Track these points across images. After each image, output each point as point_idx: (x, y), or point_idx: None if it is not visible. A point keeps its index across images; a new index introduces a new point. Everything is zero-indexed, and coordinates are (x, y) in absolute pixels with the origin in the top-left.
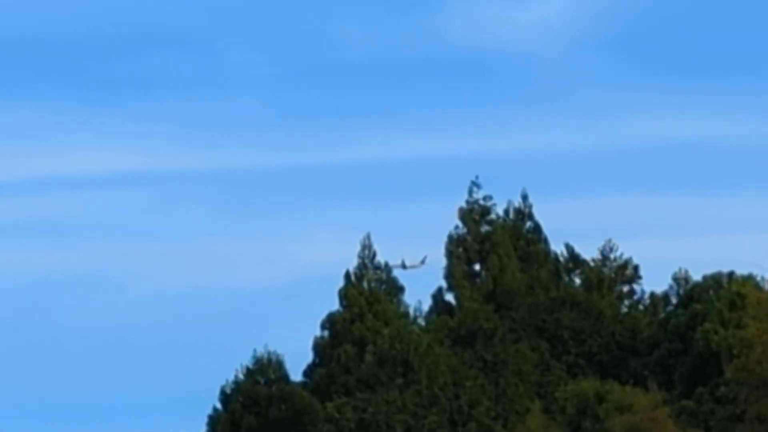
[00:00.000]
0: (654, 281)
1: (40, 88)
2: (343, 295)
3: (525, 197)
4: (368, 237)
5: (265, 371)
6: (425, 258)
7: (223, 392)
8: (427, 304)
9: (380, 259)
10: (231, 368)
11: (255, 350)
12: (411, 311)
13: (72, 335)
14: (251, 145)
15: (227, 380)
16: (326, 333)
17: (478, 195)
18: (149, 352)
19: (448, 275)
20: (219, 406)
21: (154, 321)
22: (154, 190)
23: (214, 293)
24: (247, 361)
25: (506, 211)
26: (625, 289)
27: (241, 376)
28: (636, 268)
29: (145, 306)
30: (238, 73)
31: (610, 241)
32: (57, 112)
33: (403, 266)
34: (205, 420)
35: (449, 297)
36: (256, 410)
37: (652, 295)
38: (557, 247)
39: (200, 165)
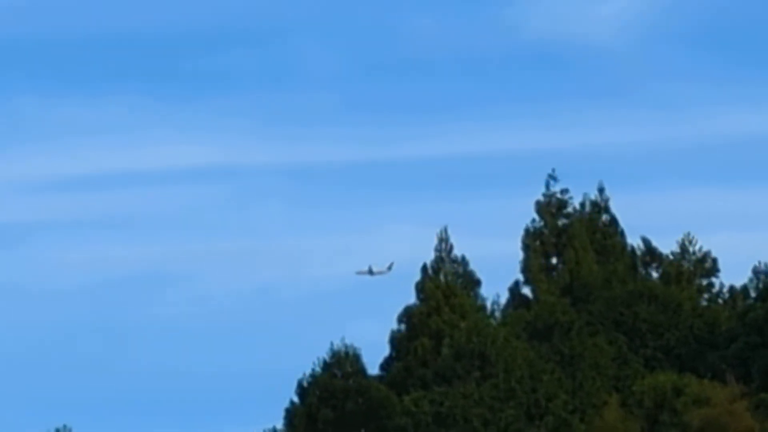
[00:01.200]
0: (733, 275)
1: (120, 84)
2: (420, 288)
3: (601, 190)
4: (445, 230)
5: (342, 365)
6: (392, 264)
7: (300, 386)
8: (503, 298)
9: (457, 252)
10: (308, 362)
11: (332, 344)
12: (488, 305)
13: (152, 330)
14: (328, 139)
15: (304, 374)
16: (403, 326)
17: (555, 188)
18: (228, 347)
19: (525, 269)
20: (296, 399)
21: (232, 315)
22: (232, 185)
23: (292, 287)
24: (324, 354)
25: (582, 205)
26: (704, 282)
27: (318, 370)
28: (715, 261)
29: (224, 300)
30: (315, 68)
31: (688, 234)
32: (137, 107)
33: (371, 272)
34: (282, 414)
35: (526, 290)
36: (333, 404)
37: (731, 288)
38: (634, 241)
39: (278, 159)
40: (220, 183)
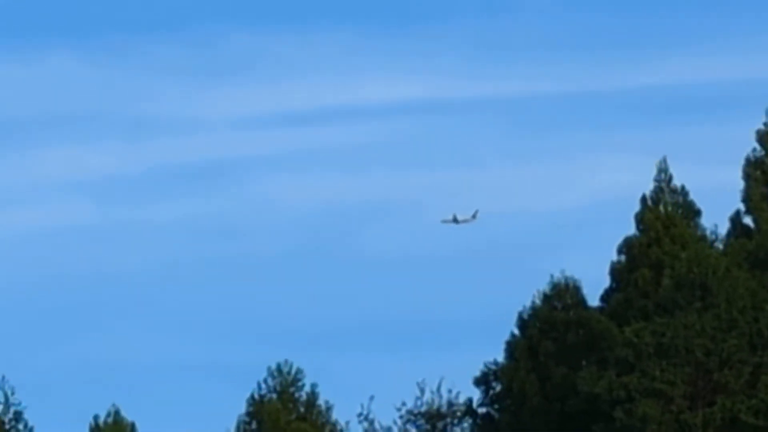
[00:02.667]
0: None
1: (332, 22)
2: (640, 219)
3: None
4: (664, 160)
5: (563, 297)
6: (476, 212)
7: (520, 318)
8: (724, 228)
9: (677, 182)
10: (528, 294)
11: (552, 276)
12: (708, 234)
13: (369, 262)
14: (544, 71)
15: (524, 306)
16: (623, 257)
17: None
18: (446, 279)
19: (746, 198)
20: (517, 332)
21: (450, 248)
22: (444, 118)
23: (508, 219)
24: (544, 287)
25: None
26: None
27: (538, 302)
28: None
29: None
30: (524, 1)
31: None
32: (350, 44)
33: (455, 221)
34: (503, 346)
35: (747, 220)
36: (553, 336)
37: None
38: None
39: (490, 93)
40: (432, 117)
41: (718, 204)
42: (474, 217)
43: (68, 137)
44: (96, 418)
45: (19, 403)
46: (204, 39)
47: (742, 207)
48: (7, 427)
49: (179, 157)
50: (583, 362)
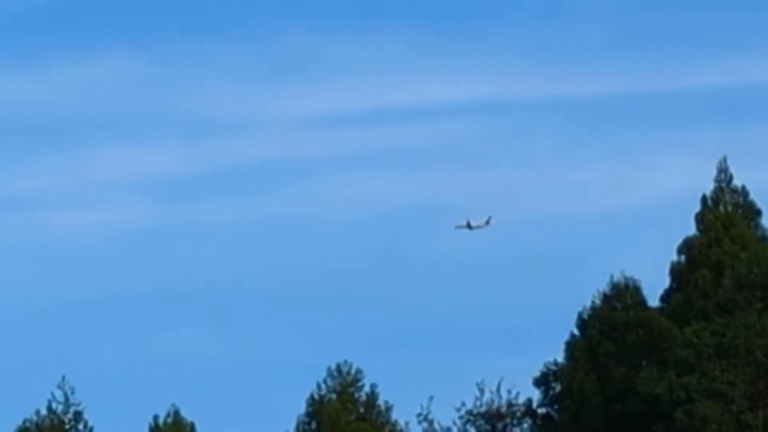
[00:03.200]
0: None
1: (395, 21)
2: (700, 219)
3: None
4: (724, 160)
5: (622, 297)
6: (490, 218)
7: (580, 318)
8: None
9: (737, 182)
10: (588, 295)
11: (612, 276)
12: None
13: (429, 263)
14: (601, 72)
15: (584, 306)
16: (683, 258)
17: None
18: (505, 280)
19: None
20: (576, 332)
21: (507, 249)
22: (501, 119)
23: (566, 220)
24: (603, 287)
25: None
26: None
27: (598, 303)
28: None
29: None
30: (587, 2)
31: None
32: (412, 44)
33: (469, 226)
34: (563, 347)
35: None
36: (613, 336)
37: None
38: None
39: (547, 94)
40: (489, 118)
41: None
42: (488, 222)
43: (129, 138)
44: (156, 417)
45: (79, 403)
46: (264, 38)
47: None
48: (67, 426)
49: (239, 158)
50: (643, 363)
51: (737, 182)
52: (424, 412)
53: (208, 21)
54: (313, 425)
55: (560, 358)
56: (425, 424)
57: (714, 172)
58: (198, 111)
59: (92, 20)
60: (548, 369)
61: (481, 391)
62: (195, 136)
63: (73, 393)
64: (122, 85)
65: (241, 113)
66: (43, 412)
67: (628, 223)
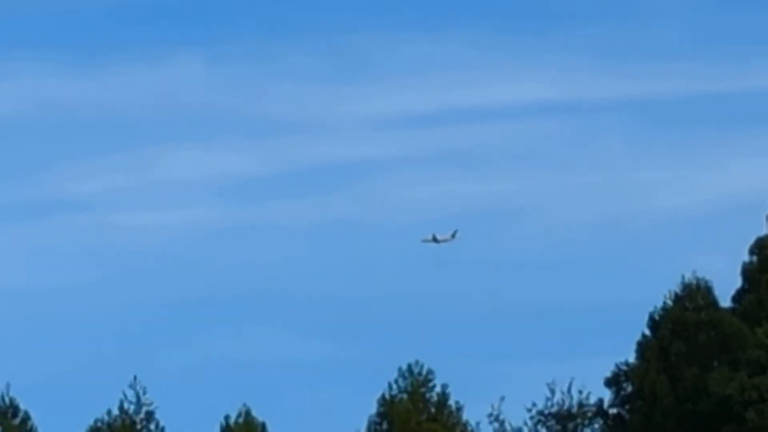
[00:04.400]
0: None
1: (464, 20)
2: None
3: None
4: None
5: (694, 297)
6: (455, 232)
7: (651, 319)
8: None
9: None
10: (659, 295)
11: (683, 276)
12: None
13: (500, 263)
14: (671, 73)
15: (656, 307)
16: (754, 258)
17: None
18: (578, 280)
19: None
20: (648, 332)
21: (578, 250)
22: (571, 120)
23: (638, 220)
24: (675, 287)
25: None
26: None
27: (669, 303)
28: None
29: (568, 234)
30: (658, 1)
31: None
32: (481, 44)
33: (435, 240)
34: (634, 347)
35: None
36: (685, 336)
37: None
38: None
39: (617, 94)
40: (559, 119)
41: None
42: (453, 236)
43: (198, 138)
44: (227, 417)
45: (151, 403)
46: (333, 39)
47: None
48: (138, 427)
49: (309, 159)
50: (715, 363)
51: None
52: (495, 413)
53: (278, 22)
54: (384, 425)
55: (631, 358)
56: (496, 425)
57: None
58: (267, 111)
59: (163, 21)
60: (619, 369)
61: (552, 392)
62: (265, 136)
63: (144, 393)
64: (192, 85)
65: (310, 113)
66: (115, 412)
67: (699, 223)
